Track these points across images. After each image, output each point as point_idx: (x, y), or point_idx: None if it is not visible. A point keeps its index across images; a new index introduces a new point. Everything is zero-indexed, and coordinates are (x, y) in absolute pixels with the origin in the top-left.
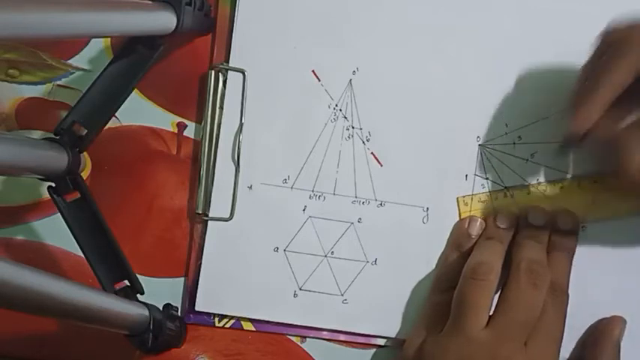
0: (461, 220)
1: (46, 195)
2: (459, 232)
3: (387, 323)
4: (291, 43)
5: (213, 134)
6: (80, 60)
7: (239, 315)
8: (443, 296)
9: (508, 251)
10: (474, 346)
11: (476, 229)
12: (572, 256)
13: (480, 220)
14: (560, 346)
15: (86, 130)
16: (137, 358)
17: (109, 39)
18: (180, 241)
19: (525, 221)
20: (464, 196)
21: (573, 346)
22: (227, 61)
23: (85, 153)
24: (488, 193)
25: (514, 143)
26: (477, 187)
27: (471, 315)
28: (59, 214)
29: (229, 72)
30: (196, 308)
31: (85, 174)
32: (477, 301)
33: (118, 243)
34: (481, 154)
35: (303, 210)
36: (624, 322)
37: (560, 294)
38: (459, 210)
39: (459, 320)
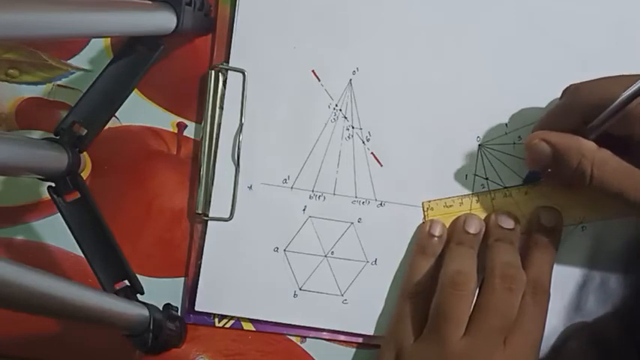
0: (422, 223)
1: (46, 195)
2: (422, 236)
3: (387, 323)
4: (291, 43)
5: (213, 134)
6: (80, 60)
7: (239, 315)
8: (412, 302)
9: (479, 255)
10: (453, 356)
11: (438, 229)
12: (555, 254)
13: (441, 222)
14: (539, 344)
15: (86, 130)
16: (137, 358)
17: (109, 39)
18: (180, 241)
19: (495, 223)
20: (429, 201)
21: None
22: (227, 61)
23: (85, 153)
24: (453, 198)
25: (514, 143)
26: (476, 187)
27: (451, 326)
28: (59, 214)
29: (229, 72)
30: (196, 308)
31: (85, 174)
32: (458, 312)
33: (117, 243)
34: (481, 154)
35: (303, 210)
36: None
37: (540, 293)
38: (424, 214)
39: (439, 331)
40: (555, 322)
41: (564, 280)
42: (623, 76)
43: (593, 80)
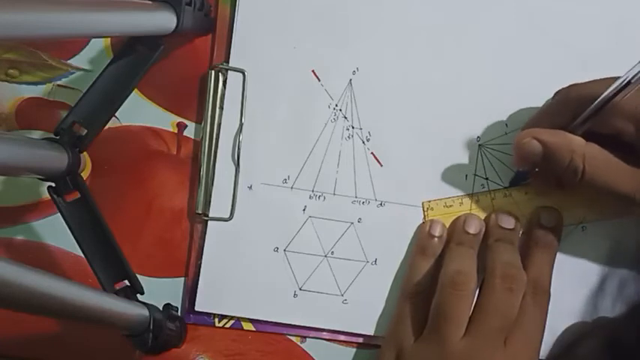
0: (422, 223)
1: (46, 195)
2: (422, 236)
3: (387, 323)
4: (291, 43)
5: (213, 134)
6: (80, 60)
7: (239, 315)
8: (412, 302)
9: (479, 255)
10: (454, 356)
11: (438, 230)
12: (555, 254)
13: (441, 222)
14: (540, 345)
15: (86, 130)
16: (137, 358)
17: (109, 39)
18: (180, 241)
19: (495, 223)
20: (429, 201)
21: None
22: (227, 61)
23: (85, 153)
24: (453, 198)
25: None
26: (476, 187)
27: (451, 326)
28: (59, 214)
29: (229, 72)
30: (196, 308)
31: (85, 174)
32: (458, 312)
33: (117, 243)
34: (481, 154)
35: (303, 210)
36: None
37: (540, 293)
38: (424, 214)
39: (439, 331)
40: (569, 320)
41: (570, 280)
42: (616, 77)
43: (586, 82)
